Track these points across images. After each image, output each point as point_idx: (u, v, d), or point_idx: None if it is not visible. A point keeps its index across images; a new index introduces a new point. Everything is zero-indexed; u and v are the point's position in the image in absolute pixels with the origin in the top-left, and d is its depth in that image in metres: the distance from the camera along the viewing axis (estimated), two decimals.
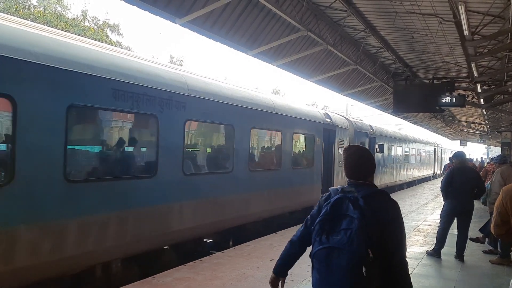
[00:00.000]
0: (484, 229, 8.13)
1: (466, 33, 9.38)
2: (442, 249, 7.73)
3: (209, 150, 8.77)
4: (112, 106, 5.78)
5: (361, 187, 2.53)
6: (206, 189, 7.59)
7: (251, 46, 12.69)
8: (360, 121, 18.51)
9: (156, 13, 9.38)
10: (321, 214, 2.50)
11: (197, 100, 7.26)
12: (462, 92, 14.61)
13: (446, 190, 7.73)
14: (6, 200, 4.51)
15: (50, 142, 4.96)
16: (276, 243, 8.30)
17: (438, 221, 8.05)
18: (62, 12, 25.22)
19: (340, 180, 13.93)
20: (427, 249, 8.02)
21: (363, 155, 2.66)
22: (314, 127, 11.86)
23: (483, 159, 34.94)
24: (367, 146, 16.46)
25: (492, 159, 13.94)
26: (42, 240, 4.86)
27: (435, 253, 7.71)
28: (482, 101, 17.14)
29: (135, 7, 9.03)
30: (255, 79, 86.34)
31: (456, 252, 7.70)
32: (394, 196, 18.10)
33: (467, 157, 10.12)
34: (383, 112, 29.01)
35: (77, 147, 5.83)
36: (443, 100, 12.09)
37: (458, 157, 7.94)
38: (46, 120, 4.91)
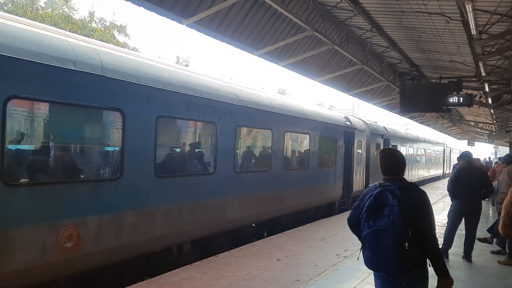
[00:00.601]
0: (492, 229, 8.08)
1: (473, 32, 9.32)
2: (450, 250, 7.68)
3: (253, 152, 9.79)
4: (186, 116, 7.14)
5: (395, 182, 3.21)
6: (251, 185, 8.91)
7: (257, 46, 12.70)
8: (375, 123, 19.16)
9: (162, 14, 9.42)
10: (366, 205, 3.14)
11: (245, 108, 8.53)
12: (469, 91, 14.52)
13: (453, 190, 7.69)
14: (117, 191, 5.81)
15: (146, 146, 6.27)
16: (282, 243, 8.31)
17: (446, 221, 8.01)
18: (70, 13, 25.41)
19: (358, 178, 15.09)
20: None
21: (396, 156, 3.36)
22: (336, 130, 13.14)
23: (491, 159, 34.65)
24: (381, 147, 17.72)
25: (499, 159, 13.83)
26: (140, 223, 6.11)
27: (442, 253, 7.67)
28: (490, 101, 17.02)
29: (141, 8, 9.08)
30: (261, 79, 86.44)
31: (463, 252, 7.65)
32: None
33: (475, 157, 10.05)
34: (390, 112, 28.89)
35: (163, 150, 7.05)
36: (451, 100, 12.01)
37: (465, 157, 7.89)
38: (143, 128, 6.24)
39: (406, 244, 2.94)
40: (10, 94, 4.59)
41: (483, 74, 12.88)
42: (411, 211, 3.03)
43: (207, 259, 7.04)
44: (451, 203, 7.92)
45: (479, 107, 20.84)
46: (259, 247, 7.99)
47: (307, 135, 11.35)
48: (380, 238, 3.01)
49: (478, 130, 35.52)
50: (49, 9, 24.05)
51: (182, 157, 7.60)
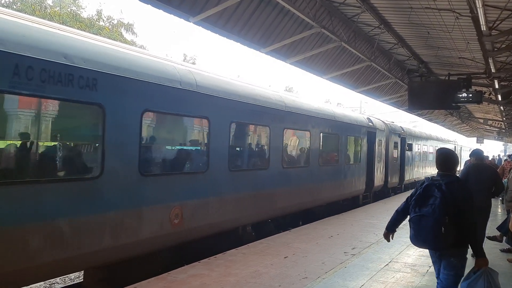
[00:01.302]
0: (501, 228, 8.00)
1: (483, 28, 9.22)
2: None
3: (296, 150, 11.14)
4: (250, 121, 8.85)
5: (445, 177, 4.00)
6: (294, 179, 10.32)
7: (264, 43, 12.67)
8: (392, 123, 20.17)
9: (170, 12, 9.44)
10: (416, 194, 4.06)
11: (290, 113, 9.95)
12: (479, 88, 14.39)
13: None
14: (204, 181, 7.28)
15: (223, 146, 7.77)
16: (289, 241, 8.31)
17: None
18: (77, 12, 25.55)
19: (379, 174, 16.43)
20: None
21: (449, 154, 4.20)
22: (360, 130, 14.52)
23: (500, 157, 34.31)
24: (399, 145, 19.38)
25: (509, 156, 13.69)
26: (219, 207, 7.58)
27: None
28: (499, 98, 16.84)
29: (149, 6, 9.09)
30: (267, 76, 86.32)
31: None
32: (408, 193, 18.05)
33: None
34: (398, 109, 28.74)
35: (234, 148, 8.43)
36: (460, 97, 11.91)
37: (475, 155, 7.81)
38: (221, 132, 7.65)
39: (442, 229, 3.76)
40: (144, 108, 6.07)
41: (493, 70, 12.74)
42: (451, 203, 3.79)
43: (215, 256, 7.06)
44: None
45: (488, 104, 20.63)
46: (267, 245, 7.99)
47: (337, 135, 12.74)
48: (422, 222, 3.90)
49: (487, 127, 35.20)
50: (57, 8, 24.20)
51: (246, 154, 9.14)
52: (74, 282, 7.67)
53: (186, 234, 6.88)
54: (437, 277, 4.26)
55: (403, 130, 20.54)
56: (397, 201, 15.39)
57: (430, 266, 6.76)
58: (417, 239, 4.02)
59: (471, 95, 11.88)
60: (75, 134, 5.84)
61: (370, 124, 15.63)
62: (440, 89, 12.48)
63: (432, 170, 27.53)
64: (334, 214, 11.98)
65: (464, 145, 47.65)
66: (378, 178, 16.41)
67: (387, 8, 11.93)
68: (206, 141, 7.43)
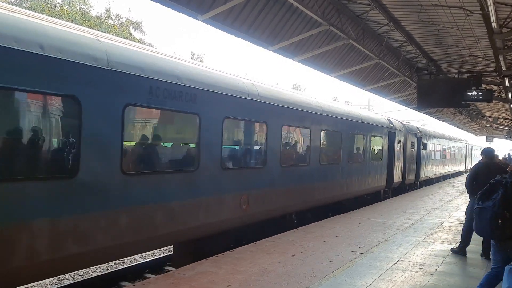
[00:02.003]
0: None
1: (494, 25, 9.12)
2: (468, 247, 7.57)
3: (330, 149, 12.33)
4: (296, 125, 10.27)
5: None
6: (329, 174, 11.72)
7: (272, 41, 12.65)
8: (408, 123, 21.10)
9: (178, 10, 9.46)
10: (484, 189, 4.69)
11: (326, 117, 11.37)
12: (489, 86, 14.22)
13: (471, 187, 7.55)
14: (264, 174, 8.80)
15: (276, 145, 9.18)
16: (297, 239, 8.30)
17: (463, 219, 7.89)
18: (86, 10, 25.70)
19: (397, 171, 17.60)
20: (452, 247, 7.88)
21: None
22: (382, 131, 15.79)
23: (511, 156, 33.94)
24: (415, 145, 20.44)
25: None
26: (274, 196, 9.08)
27: (460, 251, 7.56)
28: (510, 96, 16.65)
29: (157, 4, 9.12)
30: (275, 73, 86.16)
31: (482, 250, 7.53)
32: (418, 192, 18.06)
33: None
34: (406, 108, 28.55)
35: (285, 148, 9.88)
36: (469, 95, 11.79)
37: (485, 153, 7.74)
38: (276, 134, 9.09)
39: (499, 221, 4.27)
40: (225, 116, 7.53)
41: (503, 68, 12.60)
42: None
43: (222, 254, 7.08)
44: (469, 200, 7.79)
45: (498, 102, 20.43)
46: (274, 243, 7.99)
47: (363, 136, 14.06)
48: (482, 214, 4.50)
49: (497, 126, 34.86)
50: (67, 6, 24.36)
51: (292, 153, 10.56)
52: (165, 254, 9.35)
53: (251, 217, 8.44)
54: (494, 267, 4.78)
55: (419, 130, 21.62)
56: (405, 200, 15.33)
57: (438, 266, 6.73)
58: (477, 228, 4.69)
59: (481, 93, 11.76)
60: (184, 137, 7.64)
61: (391, 125, 16.88)
62: (449, 87, 12.38)
63: (445, 169, 29.40)
64: (360, 207, 13.26)
65: (475, 144, 48.07)
66: (397, 175, 17.61)
67: (396, 5, 11.84)
68: (265, 142, 8.90)
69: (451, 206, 14.15)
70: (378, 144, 15.57)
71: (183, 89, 6.54)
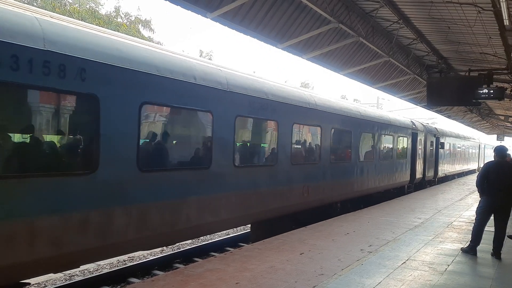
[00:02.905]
0: None
1: (506, 22, 9.00)
2: (478, 246, 7.50)
3: (366, 148, 13.79)
4: (340, 127, 11.80)
5: None
6: (366, 170, 13.42)
7: (281, 39, 12.62)
8: (427, 124, 22.45)
9: (188, 8, 9.48)
10: None
11: (363, 121, 13.07)
12: (500, 84, 14.05)
13: (482, 185, 7.47)
14: (319, 169, 10.61)
15: (327, 145, 10.88)
16: (305, 237, 8.29)
17: (473, 218, 7.81)
18: (96, 8, 25.86)
19: (419, 168, 19.39)
20: (462, 246, 7.81)
21: None
22: (407, 131, 17.46)
23: None
24: (434, 144, 22.02)
25: None
26: (325, 188, 10.84)
27: (470, 250, 7.49)
28: None
29: (167, 2, 9.15)
30: (283, 71, 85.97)
31: (492, 249, 7.45)
32: (427, 191, 17.94)
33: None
34: (416, 106, 28.34)
35: (334, 148, 11.54)
36: (480, 93, 11.66)
37: (499, 151, 7.64)
38: (327, 136, 10.91)
39: None
40: (294, 121, 9.41)
41: None
42: None
43: (231, 251, 7.10)
44: (480, 199, 7.70)
45: (510, 100, 20.14)
46: (282, 241, 7.99)
47: (392, 136, 15.81)
48: None
49: (508, 124, 34.40)
50: (76, 5, 24.53)
51: (339, 151, 12.03)
52: (245, 231, 11.45)
53: (309, 204, 10.31)
54: None
55: (437, 130, 23.14)
56: (414, 199, 15.23)
57: (448, 265, 6.68)
58: None
59: (492, 91, 11.61)
60: (270, 140, 9.25)
61: (414, 126, 18.47)
62: (460, 85, 12.23)
63: (460, 166, 31.31)
64: (388, 200, 14.89)
65: (487, 143, 49.05)
66: (419, 171, 19.31)
67: (407, 2, 11.74)
68: (319, 142, 10.70)
69: (461, 205, 14.02)
70: (403, 143, 17.36)
71: (268, 102, 8.53)
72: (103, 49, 5.28)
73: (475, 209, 7.82)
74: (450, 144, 26.31)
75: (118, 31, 21.61)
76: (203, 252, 9.42)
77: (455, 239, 8.68)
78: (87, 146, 5.29)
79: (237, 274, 5.86)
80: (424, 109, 28.53)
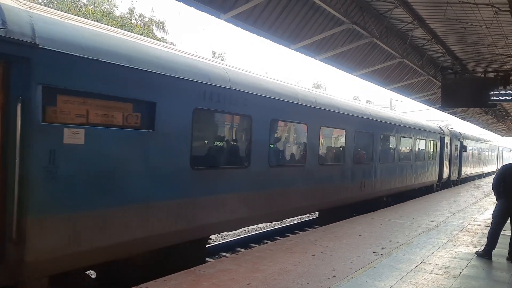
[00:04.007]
0: None
1: None
2: (493, 251, 7.38)
3: (406, 150, 15.65)
4: (386, 132, 13.40)
5: None
6: (404, 170, 15.20)
7: (293, 40, 12.61)
8: (452, 129, 24.21)
9: (201, 9, 9.53)
10: None
11: (403, 128, 14.86)
12: None
13: (498, 189, 7.35)
14: (371, 168, 12.56)
15: (368, 147, 12.47)
16: (317, 239, 8.25)
17: (489, 221, 7.69)
18: (110, 10, 26.16)
19: (445, 169, 21.21)
20: (477, 250, 7.69)
21: None
22: (436, 136, 19.24)
23: None
24: (458, 148, 23.88)
25: None
26: (374, 184, 12.67)
27: (485, 254, 7.37)
28: None
29: (181, 3, 9.21)
30: (295, 71, 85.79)
31: (508, 254, 7.32)
32: (442, 194, 17.73)
33: None
34: (430, 107, 28.05)
35: (379, 149, 13.16)
36: (496, 94, 11.47)
37: None
38: (378, 139, 12.76)
39: None
40: (356, 130, 11.24)
41: None
42: None
43: (242, 252, 7.11)
44: (496, 202, 7.58)
45: None
46: (294, 242, 7.97)
47: (425, 140, 17.65)
48: None
49: None
50: (92, 6, 24.84)
51: (385, 153, 13.69)
52: (312, 217, 13.67)
53: (364, 196, 12.10)
54: None
55: (461, 134, 24.88)
56: (428, 201, 15.05)
57: (463, 269, 6.58)
58: None
59: (509, 92, 11.42)
60: (340, 144, 11.24)
61: (441, 131, 20.38)
62: (475, 86, 12.05)
63: (480, 168, 33.31)
64: (420, 196, 16.58)
65: (505, 146, 50.93)
66: (445, 172, 21.28)
67: (422, 3, 11.63)
68: (372, 146, 12.58)
69: (476, 208, 13.82)
70: (433, 147, 19.17)
71: (339, 115, 10.47)
72: (259, 86, 7.80)
73: (491, 213, 7.70)
74: (472, 147, 28.10)
75: (132, 32, 21.83)
76: (215, 252, 9.46)
77: (470, 242, 8.56)
78: (246, 149, 7.62)
79: (249, 275, 5.86)
80: (439, 110, 28.21)
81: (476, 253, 7.56)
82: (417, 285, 5.70)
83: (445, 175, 21.30)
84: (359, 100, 41.97)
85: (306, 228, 11.65)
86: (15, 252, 4.15)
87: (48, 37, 4.42)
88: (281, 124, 8.75)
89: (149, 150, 5.55)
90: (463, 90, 12.20)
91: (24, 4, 4.58)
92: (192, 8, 9.40)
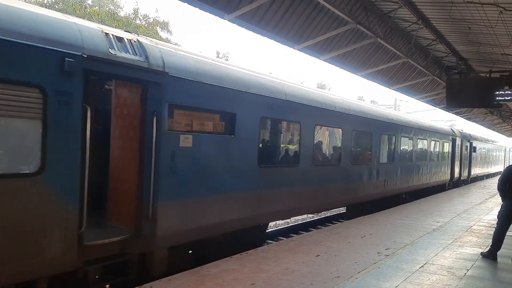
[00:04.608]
0: None
1: None
2: (499, 251, 7.34)
3: (422, 151, 17.18)
4: (406, 135, 14.89)
5: None
6: (421, 169, 16.80)
7: (298, 40, 12.60)
8: (462, 131, 25.08)
9: (206, 10, 9.54)
10: None
11: (420, 130, 16.45)
12: None
13: (503, 189, 7.31)
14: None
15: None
16: (321, 239, 8.25)
17: (494, 222, 7.65)
18: (115, 10, 26.24)
19: (456, 169, 22.76)
20: (482, 251, 7.66)
21: None
22: (448, 138, 20.92)
23: None
24: (468, 149, 25.43)
25: None
26: (392, 182, 13.96)
27: (490, 255, 7.34)
28: None
29: (185, 4, 9.23)
30: (298, 71, 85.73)
31: None
32: (448, 194, 17.69)
33: None
34: (434, 108, 27.94)
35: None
36: (501, 95, 11.40)
37: None
38: (402, 142, 14.68)
39: None
40: (353, 129, 11.24)
41: None
42: None
43: (247, 252, 7.11)
44: (501, 203, 7.54)
45: None
46: (298, 242, 7.97)
47: (439, 142, 19.28)
48: None
49: None
50: (96, 7, 24.94)
51: (406, 154, 15.38)
52: (340, 212, 15.47)
53: (386, 193, 13.56)
54: None
55: (471, 136, 26.33)
56: (432, 202, 14.99)
57: (467, 270, 6.56)
58: None
59: None
60: (366, 146, 12.35)
61: (453, 133, 22.04)
62: (480, 86, 11.99)
63: (488, 168, 35.01)
64: (433, 194, 18.11)
65: (511, 146, 50.15)
66: (456, 172, 22.77)
67: (426, 2, 11.58)
68: (394, 147, 14.03)
69: (481, 209, 13.75)
70: (446, 148, 20.81)
71: (369, 120, 12.00)
72: (306, 96, 9.16)
73: (496, 213, 7.66)
74: (480, 148, 29.64)
75: (137, 33, 21.89)
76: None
77: (475, 243, 8.52)
78: (296, 150, 8.98)
79: (253, 275, 5.87)
80: (443, 110, 28.10)
81: (481, 254, 7.52)
82: (422, 286, 5.69)
83: (456, 174, 22.71)
84: (364, 100, 41.89)
85: (310, 229, 11.68)
86: (149, 229, 5.65)
87: (171, 66, 5.95)
88: (321, 128, 9.97)
89: (231, 151, 7.01)
90: (468, 90, 12.14)
91: (151, 40, 6.22)
92: (197, 8, 9.43)
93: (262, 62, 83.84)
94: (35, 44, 4.35)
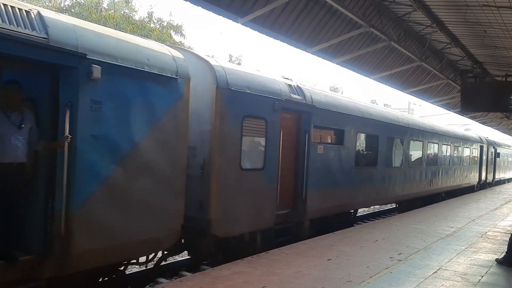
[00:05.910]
0: None
1: None
2: None
3: (458, 156, 19.93)
4: (446, 143, 17.78)
5: None
6: (457, 171, 19.44)
7: (311, 43, 12.59)
8: (487, 138, 27.01)
9: (219, 13, 9.61)
10: None
11: (455, 138, 18.88)
12: None
13: None
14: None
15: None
16: (333, 243, 8.21)
17: (510, 228, 7.53)
18: (130, 14, 26.55)
19: (483, 173, 25.04)
20: (497, 257, 7.53)
21: None
22: (477, 145, 23.31)
23: None
24: (493, 154, 27.65)
25: None
26: (436, 182, 17.06)
27: (505, 261, 7.22)
28: None
29: (199, 7, 9.31)
30: (311, 74, 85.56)
31: None
32: (460, 199, 17.50)
33: None
34: (448, 112, 27.66)
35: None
36: None
37: None
38: (442, 149, 17.73)
39: None
40: (410, 138, 14.07)
41: None
42: None
43: (258, 255, 7.12)
44: None
45: None
46: (309, 246, 7.95)
47: (470, 148, 21.90)
48: None
49: None
50: (112, 11, 25.28)
51: (446, 159, 18.04)
52: (392, 207, 17.67)
53: (431, 191, 16.14)
54: None
55: (495, 143, 28.59)
56: (446, 207, 14.81)
57: (482, 276, 6.46)
58: None
59: None
60: (419, 152, 15.12)
61: (481, 140, 24.34)
62: (496, 90, 11.80)
63: (510, 173, 37.25)
64: (464, 194, 20.65)
65: None
66: (483, 175, 25.11)
67: (441, 6, 11.48)
68: (437, 153, 16.72)
69: (496, 215, 13.52)
70: (475, 154, 23.22)
71: (419, 132, 14.60)
72: (380, 114, 12.21)
73: None
74: (503, 154, 31.99)
75: (151, 36, 22.12)
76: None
77: (490, 249, 8.38)
78: (376, 155, 11.77)
79: (264, 277, 5.87)
80: (458, 115, 27.77)
81: (496, 260, 7.41)
82: None
83: (483, 177, 25.41)
84: (377, 104, 41.60)
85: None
86: (302, 206, 8.79)
87: (315, 100, 9.03)
88: (390, 139, 12.56)
89: (341, 156, 9.96)
90: (483, 94, 11.96)
91: (304, 85, 9.49)
92: (210, 12, 9.51)
93: (275, 65, 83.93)
94: (264, 95, 7.58)
